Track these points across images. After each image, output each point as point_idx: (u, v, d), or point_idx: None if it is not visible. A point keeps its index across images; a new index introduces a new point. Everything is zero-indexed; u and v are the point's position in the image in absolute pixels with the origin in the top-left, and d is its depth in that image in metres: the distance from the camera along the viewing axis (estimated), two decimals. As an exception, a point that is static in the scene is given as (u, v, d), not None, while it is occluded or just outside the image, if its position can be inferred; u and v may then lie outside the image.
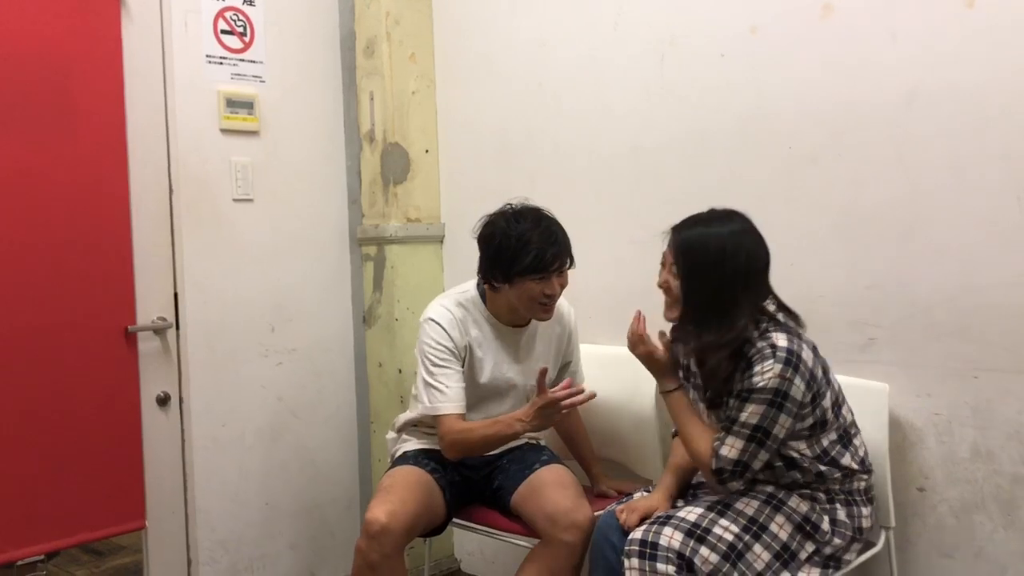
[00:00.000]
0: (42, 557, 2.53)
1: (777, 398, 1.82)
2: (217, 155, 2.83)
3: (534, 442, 2.51)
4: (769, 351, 1.84)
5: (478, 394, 2.38)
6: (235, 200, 2.87)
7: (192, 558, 2.79)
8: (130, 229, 2.61)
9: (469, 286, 2.42)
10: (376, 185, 3.08)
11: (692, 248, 1.93)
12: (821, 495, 1.93)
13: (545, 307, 2.29)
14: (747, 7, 2.35)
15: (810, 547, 1.89)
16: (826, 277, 2.25)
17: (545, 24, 2.82)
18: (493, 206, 2.99)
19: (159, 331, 2.69)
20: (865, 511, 1.97)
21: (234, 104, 2.87)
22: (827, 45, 2.22)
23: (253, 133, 2.92)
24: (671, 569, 1.81)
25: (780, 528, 1.88)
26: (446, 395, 2.28)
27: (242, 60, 2.90)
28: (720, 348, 1.88)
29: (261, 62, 2.94)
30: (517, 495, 2.31)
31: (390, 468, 2.44)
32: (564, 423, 2.53)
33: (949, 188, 2.03)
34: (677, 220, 2.48)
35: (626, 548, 1.88)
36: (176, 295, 2.74)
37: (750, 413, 1.84)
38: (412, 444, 2.47)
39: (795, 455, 1.91)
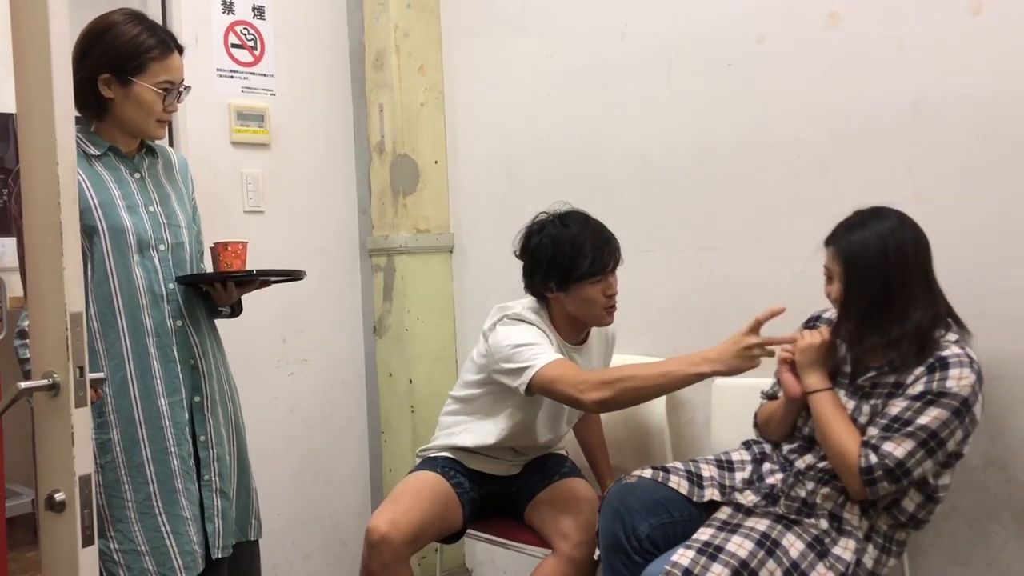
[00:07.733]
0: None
1: (964, 408, 1.73)
2: (228, 167, 2.86)
3: (558, 452, 2.48)
4: (967, 360, 1.75)
5: (523, 417, 2.26)
6: (246, 212, 2.90)
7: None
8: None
9: (528, 302, 2.27)
10: (386, 196, 3.09)
11: (854, 253, 1.83)
12: (855, 540, 1.81)
13: (609, 309, 2.19)
14: (754, 16, 2.35)
15: None
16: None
17: (553, 35, 2.83)
18: (502, 216, 3.03)
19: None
20: (891, 562, 1.88)
21: (245, 117, 2.89)
22: (834, 53, 2.22)
23: (264, 145, 2.94)
24: None
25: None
26: (543, 346, 2.11)
27: (252, 73, 2.93)
28: (900, 342, 1.79)
29: (271, 75, 2.97)
30: (532, 505, 2.31)
31: (413, 469, 2.36)
32: (584, 431, 2.50)
33: (957, 196, 2.03)
34: (685, 231, 2.52)
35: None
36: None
37: (932, 418, 1.72)
38: (446, 453, 2.35)
39: (931, 484, 1.81)
